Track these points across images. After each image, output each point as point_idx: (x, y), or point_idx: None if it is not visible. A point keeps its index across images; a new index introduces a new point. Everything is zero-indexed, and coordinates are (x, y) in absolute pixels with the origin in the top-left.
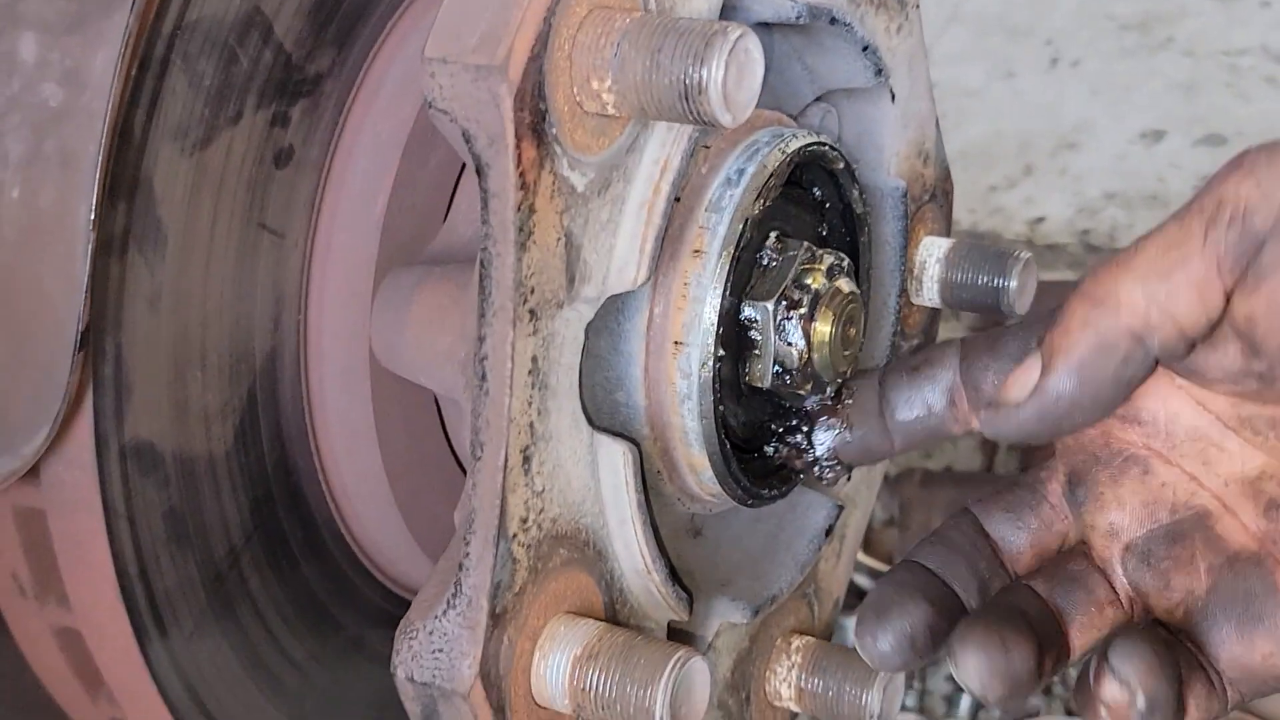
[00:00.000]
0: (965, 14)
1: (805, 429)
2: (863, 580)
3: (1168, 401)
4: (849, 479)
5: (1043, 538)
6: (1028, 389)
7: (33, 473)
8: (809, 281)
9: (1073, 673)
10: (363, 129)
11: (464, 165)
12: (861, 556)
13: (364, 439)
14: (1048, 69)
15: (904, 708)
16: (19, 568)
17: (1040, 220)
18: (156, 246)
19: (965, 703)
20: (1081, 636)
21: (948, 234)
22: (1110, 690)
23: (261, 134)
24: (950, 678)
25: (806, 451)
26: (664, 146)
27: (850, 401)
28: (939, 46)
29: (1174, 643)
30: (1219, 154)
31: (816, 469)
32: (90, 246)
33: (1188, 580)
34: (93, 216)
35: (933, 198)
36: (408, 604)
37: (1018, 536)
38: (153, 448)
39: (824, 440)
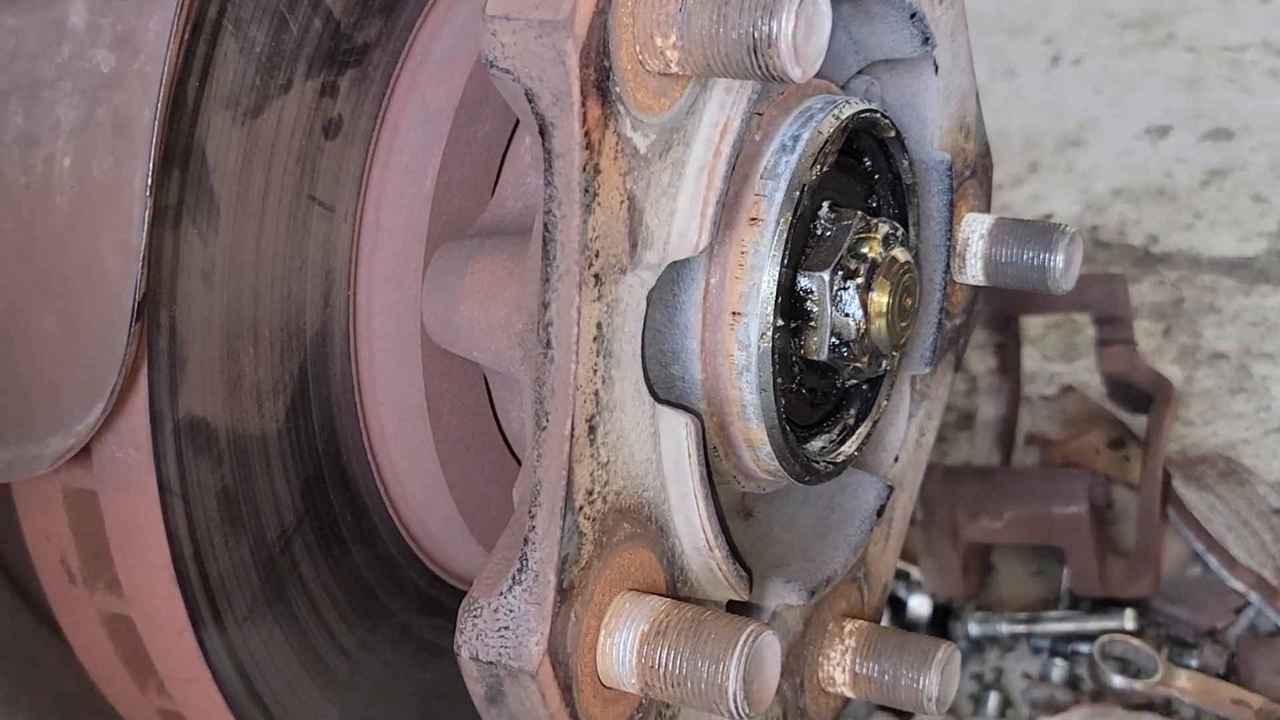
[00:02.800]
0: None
1: None
2: None
3: None
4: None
5: None
6: None
7: (84, 452)
8: (865, 251)
9: (1096, 665)
10: (409, 100)
11: (511, 138)
12: None
13: (415, 418)
14: (1049, 67)
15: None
16: (68, 553)
17: (1048, 217)
18: (210, 217)
19: (992, 701)
20: None
21: (988, 210)
22: None
23: (311, 103)
24: (976, 677)
25: None
26: (723, 109)
27: None
28: None
29: None
30: (1225, 148)
31: None
32: (147, 215)
33: None
34: (149, 183)
35: (974, 173)
36: (453, 590)
37: None
38: (206, 425)
39: None
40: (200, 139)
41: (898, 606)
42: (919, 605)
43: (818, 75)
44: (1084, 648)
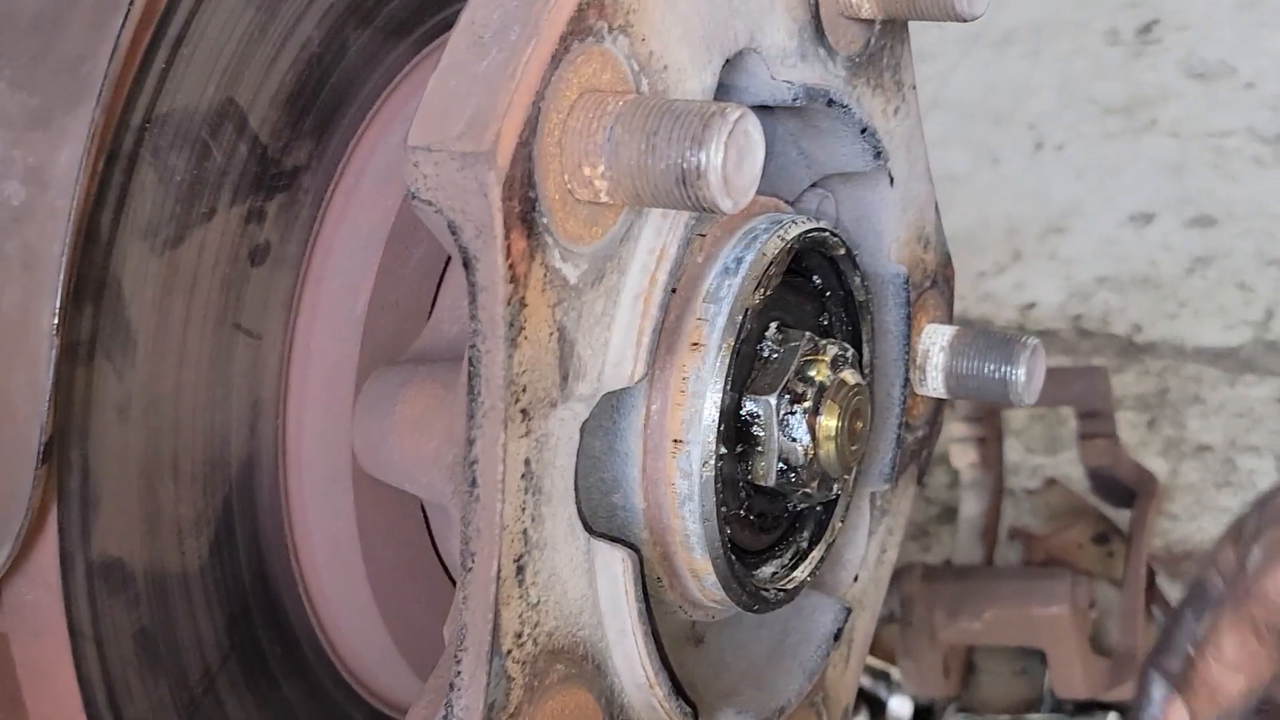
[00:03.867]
0: (947, 100)
1: None
2: (864, 680)
3: None
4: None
5: None
6: None
7: None
8: (813, 373)
9: None
10: (342, 223)
11: (448, 260)
12: None
13: (347, 549)
14: (1032, 153)
15: None
16: None
17: (1031, 306)
18: (126, 351)
19: None
20: None
21: (950, 321)
22: None
23: (236, 231)
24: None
25: None
26: (659, 235)
27: None
28: None
29: None
30: (1210, 235)
31: None
32: (54, 353)
33: None
34: (56, 321)
35: (934, 284)
36: None
37: None
38: (122, 564)
39: None
40: (116, 271)
41: (877, 707)
42: (899, 706)
43: (765, 192)
44: None
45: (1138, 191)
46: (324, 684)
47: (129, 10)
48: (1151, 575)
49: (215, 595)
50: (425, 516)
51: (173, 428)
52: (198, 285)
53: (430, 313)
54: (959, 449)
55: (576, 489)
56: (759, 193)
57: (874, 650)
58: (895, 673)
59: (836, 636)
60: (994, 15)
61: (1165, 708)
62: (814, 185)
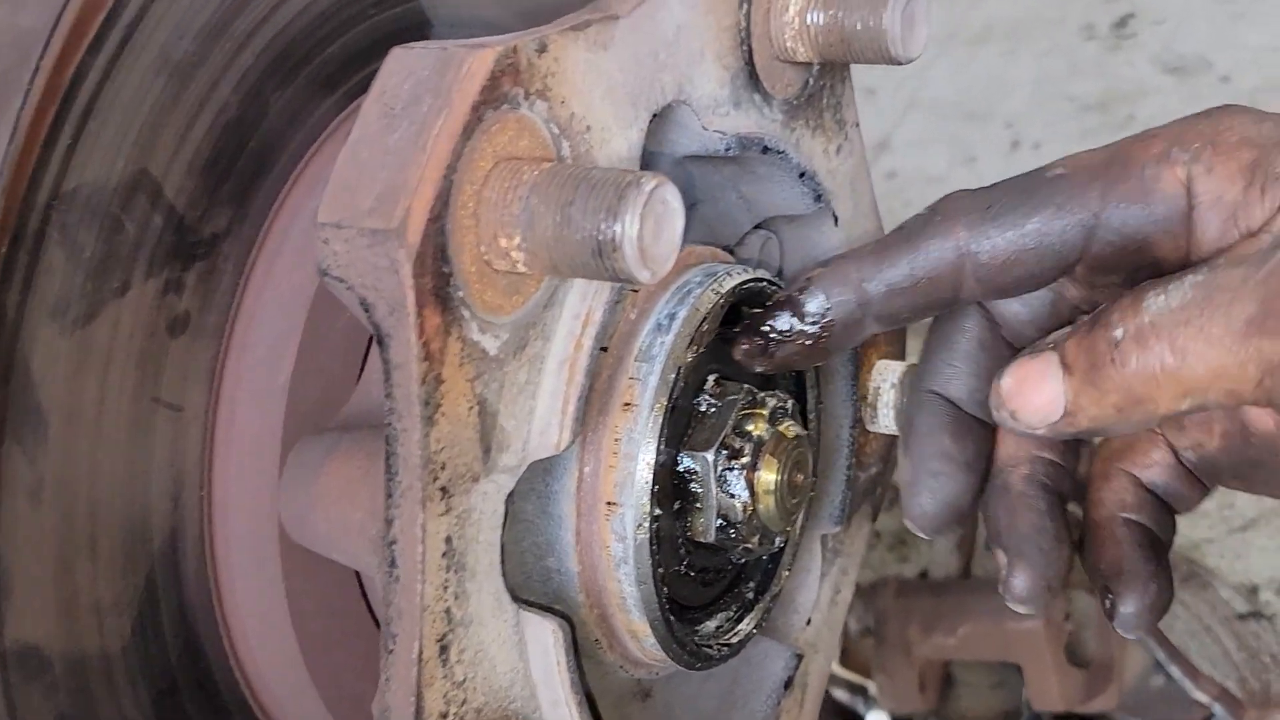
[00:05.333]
0: (923, 100)
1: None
2: (841, 695)
3: None
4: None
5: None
6: (1048, 420)
7: None
8: (750, 428)
9: None
10: (265, 289)
11: None
12: (839, 670)
13: (277, 621)
14: (1009, 152)
15: None
16: None
17: None
18: (37, 434)
19: None
20: None
21: (902, 356)
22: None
23: (153, 303)
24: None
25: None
26: (585, 299)
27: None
28: (899, 134)
29: None
30: None
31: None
32: None
33: None
34: None
35: None
36: None
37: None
38: (38, 651)
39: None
40: (23, 354)
41: None
42: None
43: (705, 240)
44: None
45: None
46: None
47: (29, 89)
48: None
49: (140, 674)
50: (360, 582)
51: (89, 508)
52: (112, 361)
53: (359, 376)
54: None
55: (503, 561)
56: (697, 240)
57: (851, 664)
58: (872, 687)
59: (787, 685)
60: (970, 12)
61: None
62: (758, 227)
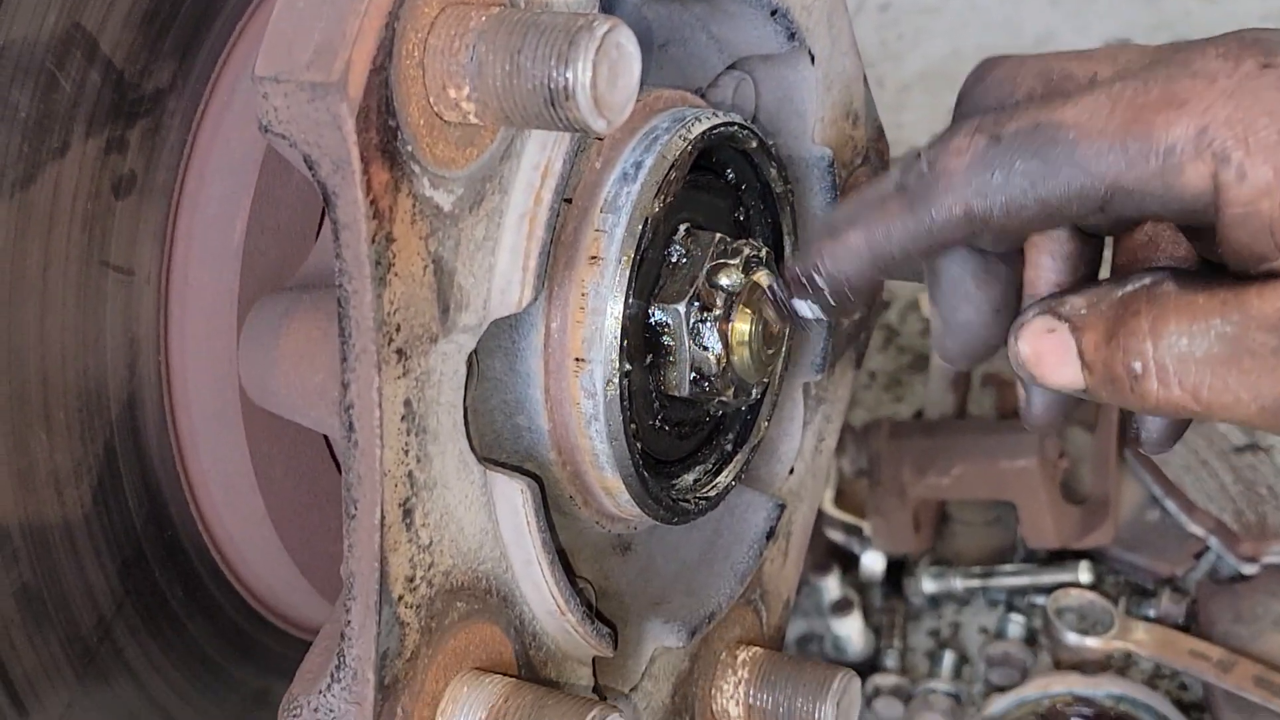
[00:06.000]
0: None
1: None
2: (836, 536)
3: None
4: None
5: None
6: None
7: None
8: (723, 278)
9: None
10: (214, 146)
11: None
12: (834, 511)
13: (243, 484)
14: None
15: (884, 668)
16: None
17: None
18: None
19: (948, 660)
20: None
21: None
22: None
23: (95, 163)
24: (933, 633)
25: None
26: (544, 149)
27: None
28: None
29: None
30: None
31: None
32: None
33: None
34: None
35: (865, 160)
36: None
37: None
38: None
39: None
40: None
41: (850, 563)
42: (872, 562)
43: (673, 84)
44: (1041, 600)
45: (1111, 17)
46: (231, 617)
47: None
48: (1124, 419)
49: (104, 542)
50: (328, 444)
51: (40, 377)
52: (55, 225)
53: (318, 232)
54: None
55: (470, 416)
56: (667, 84)
57: (846, 505)
58: (867, 528)
59: (770, 535)
60: None
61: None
62: (731, 68)
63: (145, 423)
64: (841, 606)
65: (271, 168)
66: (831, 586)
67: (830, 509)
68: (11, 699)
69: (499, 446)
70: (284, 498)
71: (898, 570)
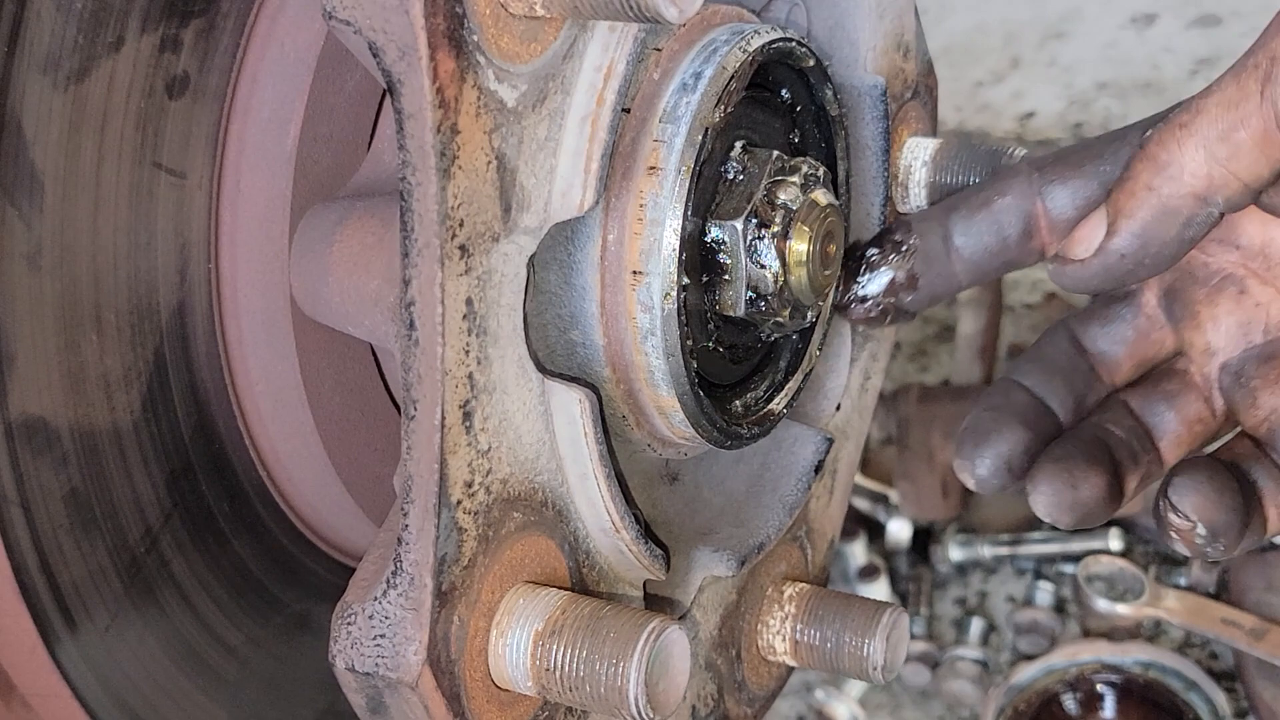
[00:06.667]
0: None
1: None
2: (862, 504)
3: (1266, 227)
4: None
5: (1140, 348)
6: (1093, 246)
7: None
8: (781, 195)
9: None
10: (268, 49)
11: None
12: (860, 479)
13: (292, 397)
14: None
15: (912, 635)
16: None
17: (1030, 115)
18: (32, 196)
19: (975, 627)
20: (1173, 451)
21: (934, 134)
22: (1174, 521)
23: (149, 61)
24: (960, 601)
25: (854, 295)
26: (607, 50)
27: (913, 241)
28: None
29: (1236, 467)
30: (1214, 35)
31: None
32: None
33: (1274, 399)
34: None
35: (915, 94)
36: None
37: (1114, 348)
38: (45, 424)
39: (873, 283)
40: (14, 109)
41: (876, 530)
42: (898, 529)
43: (728, 0)
44: (1069, 568)
45: None
46: (277, 537)
47: None
48: None
49: (152, 452)
50: (376, 357)
51: (91, 277)
52: (109, 122)
53: (370, 143)
54: None
55: (527, 327)
56: (721, 1)
57: (872, 473)
58: (894, 495)
59: (818, 469)
60: None
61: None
62: None
63: (195, 331)
64: (868, 572)
65: (325, 74)
66: (858, 552)
67: (857, 476)
68: (59, 608)
69: (552, 363)
70: (332, 413)
71: (924, 538)
